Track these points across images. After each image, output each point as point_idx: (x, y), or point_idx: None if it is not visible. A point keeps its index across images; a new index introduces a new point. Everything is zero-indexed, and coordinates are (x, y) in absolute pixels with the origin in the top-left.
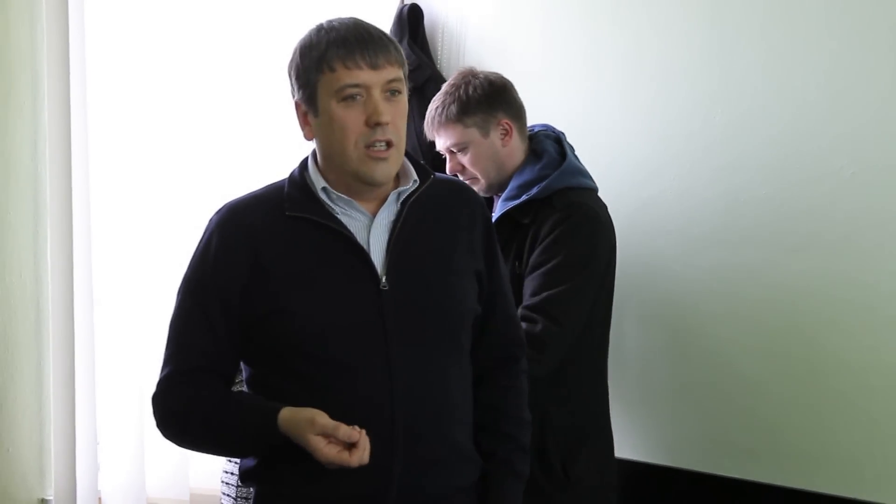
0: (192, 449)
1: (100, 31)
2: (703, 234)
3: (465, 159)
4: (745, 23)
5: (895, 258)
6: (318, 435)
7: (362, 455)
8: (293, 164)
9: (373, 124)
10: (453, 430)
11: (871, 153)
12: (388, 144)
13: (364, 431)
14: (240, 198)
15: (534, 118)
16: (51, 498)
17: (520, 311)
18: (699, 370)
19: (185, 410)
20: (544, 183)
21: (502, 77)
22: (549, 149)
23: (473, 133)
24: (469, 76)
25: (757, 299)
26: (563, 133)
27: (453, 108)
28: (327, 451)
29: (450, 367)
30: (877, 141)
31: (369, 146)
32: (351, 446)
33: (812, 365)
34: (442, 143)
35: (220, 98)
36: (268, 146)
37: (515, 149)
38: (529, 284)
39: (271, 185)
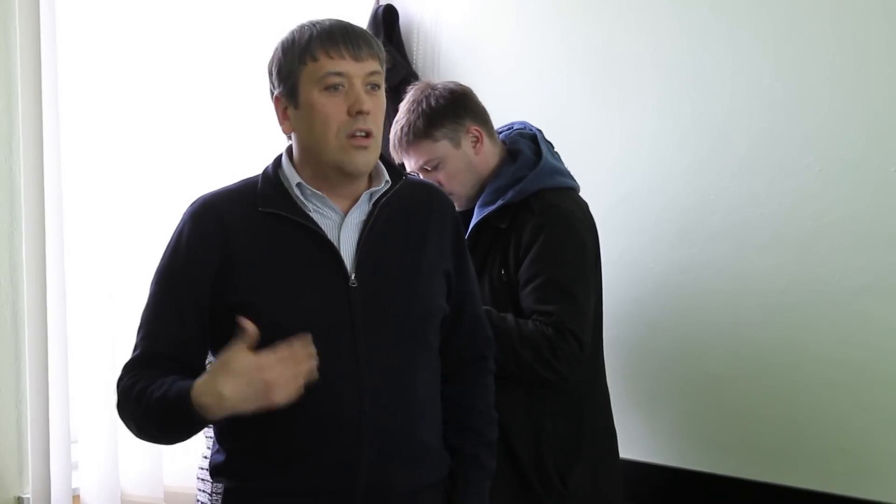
0: (141, 437)
1: (72, 32)
2: (673, 231)
3: (440, 176)
4: (714, 23)
5: (862, 254)
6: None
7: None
8: (266, 162)
9: (355, 113)
10: (421, 426)
11: (837, 151)
12: (368, 134)
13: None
14: (214, 191)
15: (508, 117)
16: (28, 496)
17: (534, 317)
18: (670, 365)
19: (129, 389)
20: (519, 186)
21: (461, 84)
22: (525, 149)
23: (445, 146)
24: (427, 89)
25: (727, 295)
26: (539, 130)
27: (420, 124)
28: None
29: (417, 364)
30: (843, 139)
31: (350, 135)
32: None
33: (781, 360)
34: (413, 163)
35: (194, 97)
36: (241, 143)
37: (489, 154)
38: (532, 296)
39: (245, 180)
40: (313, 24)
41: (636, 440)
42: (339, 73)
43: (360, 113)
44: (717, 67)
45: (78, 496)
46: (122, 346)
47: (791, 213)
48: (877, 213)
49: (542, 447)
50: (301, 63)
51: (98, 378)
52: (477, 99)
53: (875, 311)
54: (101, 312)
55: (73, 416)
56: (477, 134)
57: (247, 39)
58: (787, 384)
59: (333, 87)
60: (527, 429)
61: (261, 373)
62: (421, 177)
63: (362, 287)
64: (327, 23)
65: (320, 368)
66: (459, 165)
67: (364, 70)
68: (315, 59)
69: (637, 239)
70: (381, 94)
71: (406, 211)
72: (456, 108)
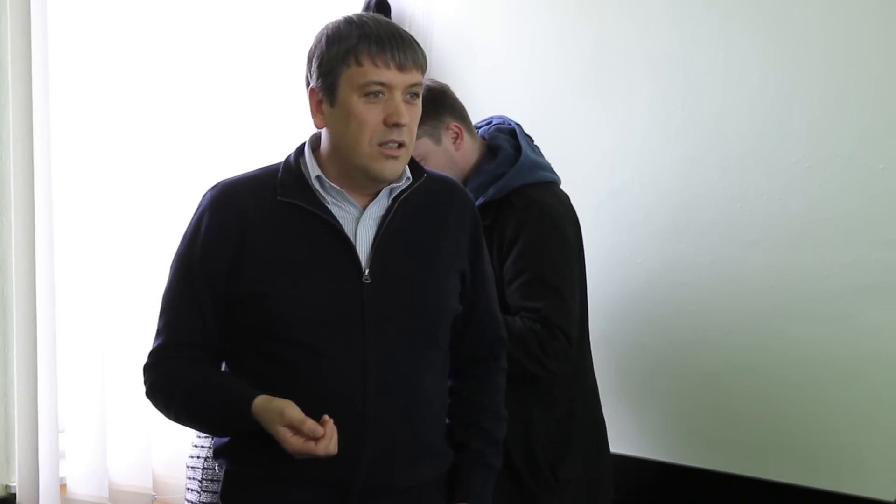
0: (176, 422)
1: (62, 20)
2: (663, 227)
3: None
4: (705, 19)
5: (849, 250)
6: (286, 426)
7: (328, 445)
8: (255, 155)
9: (391, 124)
10: (424, 425)
11: (827, 147)
12: (400, 145)
13: (332, 422)
14: (235, 178)
15: (498, 111)
16: (14, 484)
17: (522, 314)
18: (658, 361)
19: (170, 385)
20: (500, 182)
21: (439, 81)
22: (505, 144)
23: (426, 143)
24: None
25: (716, 292)
26: (518, 124)
27: None
28: (293, 441)
29: (425, 363)
30: (832, 135)
31: (382, 144)
32: (318, 438)
33: (768, 356)
34: None
35: (184, 87)
36: (233, 135)
37: (468, 149)
38: (519, 293)
39: (267, 167)
40: (362, 24)
41: (625, 435)
42: (381, 83)
43: (396, 125)
44: (708, 63)
45: (65, 485)
46: (112, 334)
47: (780, 210)
48: (865, 210)
49: (532, 440)
50: (344, 63)
51: (87, 367)
52: (454, 95)
53: (861, 308)
54: (90, 301)
55: (61, 404)
56: (457, 130)
57: (238, 30)
58: (773, 380)
59: (373, 94)
60: (516, 422)
61: (283, 442)
62: None
63: (375, 283)
64: (375, 25)
65: (328, 362)
66: (441, 162)
67: (407, 81)
68: (359, 64)
69: (626, 235)
70: (419, 103)
71: (425, 208)
72: (435, 105)
